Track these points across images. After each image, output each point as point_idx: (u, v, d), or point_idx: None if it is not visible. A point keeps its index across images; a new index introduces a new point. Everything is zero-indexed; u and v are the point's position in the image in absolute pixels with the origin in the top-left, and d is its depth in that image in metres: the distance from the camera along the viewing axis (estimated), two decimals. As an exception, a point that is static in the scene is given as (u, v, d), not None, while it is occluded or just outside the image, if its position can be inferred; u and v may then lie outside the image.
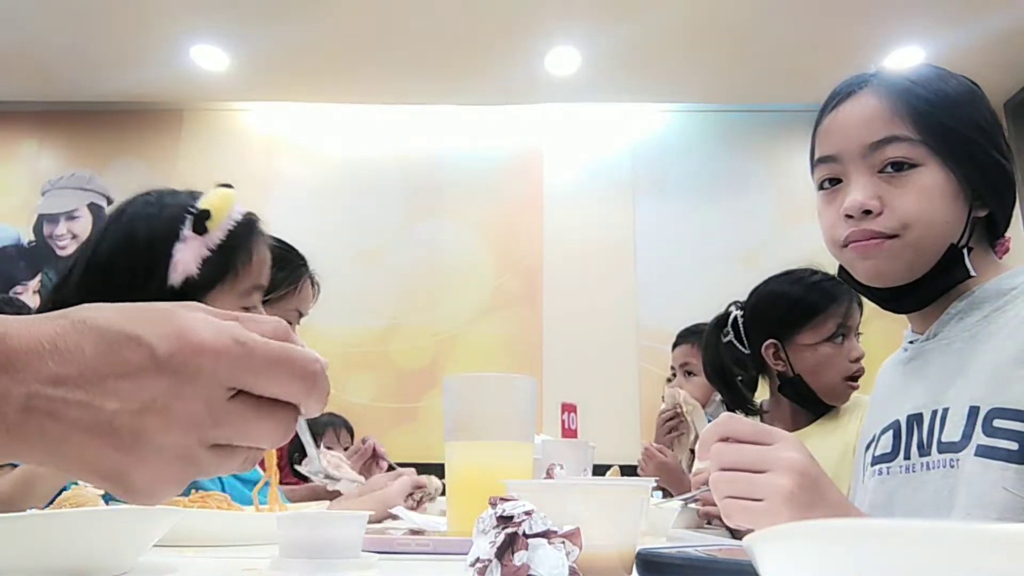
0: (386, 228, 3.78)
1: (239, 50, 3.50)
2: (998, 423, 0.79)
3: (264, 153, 3.90)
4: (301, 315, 1.64)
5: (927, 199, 0.86)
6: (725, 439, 0.72)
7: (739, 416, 0.74)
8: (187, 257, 1.09)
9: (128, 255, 1.09)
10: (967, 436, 0.82)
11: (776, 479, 0.68)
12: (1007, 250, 0.99)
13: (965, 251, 0.88)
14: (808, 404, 1.65)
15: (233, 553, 0.81)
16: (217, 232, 1.12)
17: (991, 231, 0.93)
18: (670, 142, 3.91)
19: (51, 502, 0.72)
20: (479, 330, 3.67)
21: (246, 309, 1.17)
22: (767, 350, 1.65)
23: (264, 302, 1.56)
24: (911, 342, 0.98)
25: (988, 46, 3.27)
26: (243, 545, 0.88)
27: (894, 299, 0.92)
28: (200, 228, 1.11)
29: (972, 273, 0.88)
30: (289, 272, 1.59)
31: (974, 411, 0.82)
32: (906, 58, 3.38)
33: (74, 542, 0.57)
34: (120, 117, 3.88)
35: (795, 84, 3.50)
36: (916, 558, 0.27)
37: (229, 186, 1.17)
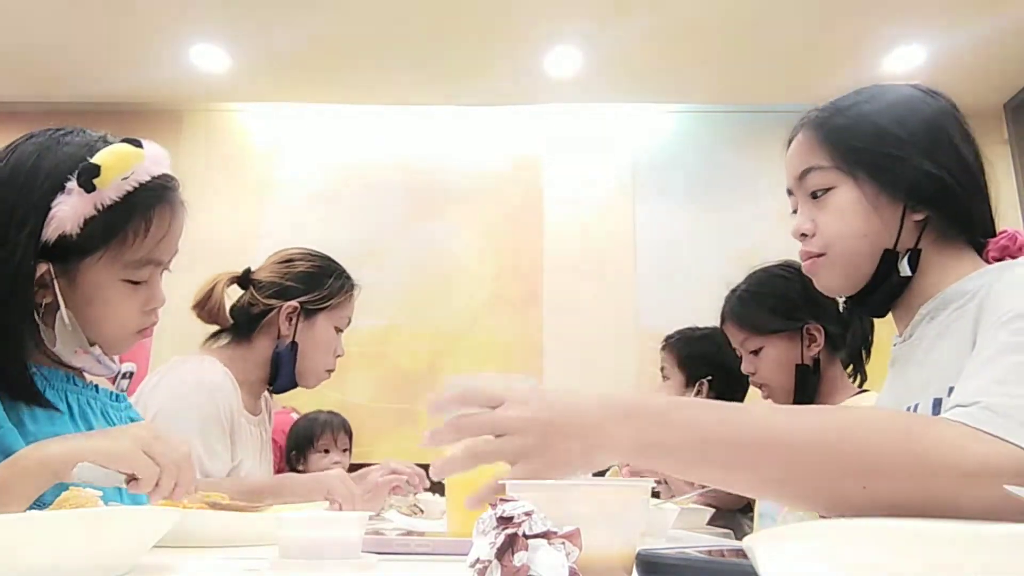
0: (386, 228, 3.78)
1: (239, 50, 3.50)
2: None
3: (264, 154, 3.90)
4: (349, 321, 1.75)
5: (841, 217, 0.96)
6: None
7: (483, 377, 0.75)
8: (66, 213, 0.96)
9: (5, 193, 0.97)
10: None
11: (509, 443, 0.69)
12: (1020, 248, 0.95)
13: (908, 254, 0.94)
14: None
15: (233, 553, 0.81)
16: (109, 191, 0.98)
17: (968, 232, 0.96)
18: (670, 143, 3.91)
19: (49, 503, 0.72)
20: (479, 330, 3.67)
21: (133, 284, 1.03)
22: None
23: (323, 309, 1.65)
24: (894, 345, 1.02)
25: (988, 46, 3.27)
26: (243, 545, 0.88)
27: (856, 304, 1.01)
28: (87, 185, 0.97)
29: (905, 273, 0.94)
30: (344, 281, 1.72)
31: (937, 403, 0.85)
32: (906, 58, 3.38)
33: (74, 542, 0.57)
34: (120, 118, 3.87)
35: (795, 84, 3.49)
36: (915, 558, 0.27)
37: (138, 143, 1.05)
